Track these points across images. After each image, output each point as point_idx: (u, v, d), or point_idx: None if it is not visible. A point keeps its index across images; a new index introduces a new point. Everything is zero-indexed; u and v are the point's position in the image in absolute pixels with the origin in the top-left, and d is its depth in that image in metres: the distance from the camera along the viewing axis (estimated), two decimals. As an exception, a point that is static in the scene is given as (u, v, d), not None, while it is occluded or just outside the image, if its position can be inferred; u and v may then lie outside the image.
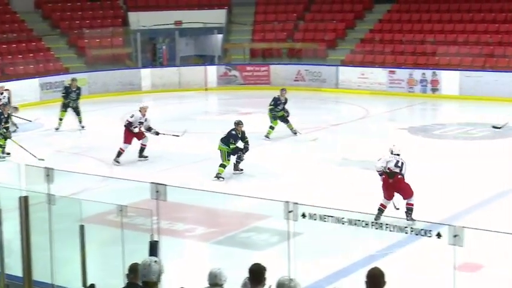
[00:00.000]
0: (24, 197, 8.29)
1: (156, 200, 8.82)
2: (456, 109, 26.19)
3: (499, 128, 21.59)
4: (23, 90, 27.42)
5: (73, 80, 23.56)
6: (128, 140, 18.60)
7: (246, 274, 7.54)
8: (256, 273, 7.54)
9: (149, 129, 18.92)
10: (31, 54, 30.94)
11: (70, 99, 22.69)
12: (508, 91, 24.07)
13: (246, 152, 17.02)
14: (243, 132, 17.05)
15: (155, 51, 35.01)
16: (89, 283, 8.35)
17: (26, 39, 31.83)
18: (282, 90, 21.64)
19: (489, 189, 15.08)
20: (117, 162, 18.37)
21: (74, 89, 22.81)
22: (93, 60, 31.80)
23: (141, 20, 33.45)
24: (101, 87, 30.18)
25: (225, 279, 7.53)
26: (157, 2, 35.40)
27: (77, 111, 22.78)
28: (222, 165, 16.75)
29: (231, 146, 16.78)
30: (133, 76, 31.09)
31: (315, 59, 31.77)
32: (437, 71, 28.34)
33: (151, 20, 33.28)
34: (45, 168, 9.61)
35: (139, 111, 18.86)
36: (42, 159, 17.19)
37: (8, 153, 18.92)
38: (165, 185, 8.79)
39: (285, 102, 21.30)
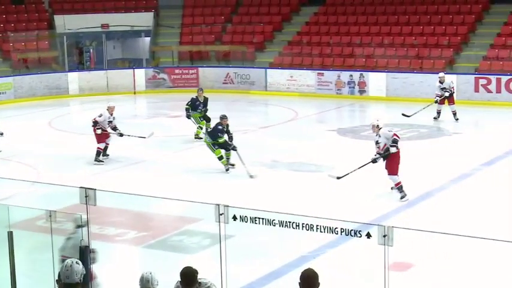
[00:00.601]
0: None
1: (86, 205, 8.73)
2: (383, 110, 26.58)
3: (408, 116, 22.44)
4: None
5: None
6: (102, 139, 18.68)
7: (178, 278, 7.53)
8: (188, 277, 7.53)
9: (114, 128, 18.80)
10: (-46, 58, 30.32)
11: None
12: (433, 92, 24.49)
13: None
14: (227, 126, 17.52)
15: (82, 55, 34.65)
16: (18, 290, 8.23)
17: None
18: (199, 90, 21.72)
19: (417, 189, 15.34)
20: (99, 161, 18.47)
21: None
22: (18, 64, 31.29)
23: (67, 23, 33.07)
24: (27, 91, 29.73)
25: (157, 283, 7.51)
26: (83, 5, 35.02)
27: None
28: (219, 158, 17.31)
29: (219, 140, 17.25)
30: (60, 80, 30.69)
31: (244, 62, 31.88)
32: (364, 73, 28.72)
33: (78, 23, 32.95)
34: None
35: (107, 110, 18.84)
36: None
37: None
38: (95, 189, 8.72)
39: (205, 103, 21.27)
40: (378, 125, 15.16)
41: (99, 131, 18.64)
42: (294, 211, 8.43)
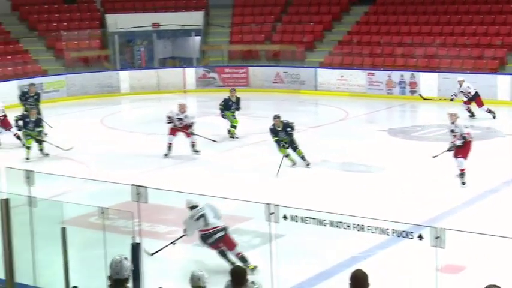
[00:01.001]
0: (5, 199, 8.26)
1: (137, 202, 8.81)
2: (435, 111, 26.30)
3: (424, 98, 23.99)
4: (1, 93, 27.22)
5: (31, 85, 23.10)
6: (172, 132, 19.37)
7: (228, 277, 7.56)
8: (238, 276, 7.58)
9: (188, 126, 19.39)
10: (9, 57, 30.75)
11: (28, 104, 21.93)
12: (485, 92, 24.18)
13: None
14: (282, 125, 17.85)
15: (133, 54, 34.93)
16: (71, 285, 8.32)
17: (3, 41, 31.64)
18: (232, 90, 21.90)
19: (471, 191, 15.18)
20: (166, 155, 19.08)
21: (32, 95, 22.27)
22: (71, 62, 31.66)
23: (118, 22, 33.35)
24: (79, 89, 30.08)
25: (207, 282, 7.55)
26: (134, 5, 35.31)
27: (39, 113, 22.28)
28: (286, 156, 17.77)
29: (273, 139, 17.98)
30: (111, 78, 31.00)
31: (293, 61, 31.84)
32: (415, 73, 28.49)
33: (129, 22, 33.21)
34: (26, 170, 9.57)
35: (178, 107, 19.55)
36: (71, 148, 18.52)
37: (47, 154, 19.23)
38: (146, 187, 8.78)
39: (237, 102, 21.45)
40: (455, 114, 16.13)
41: (170, 125, 19.26)
42: (345, 211, 8.39)
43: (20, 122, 19.13)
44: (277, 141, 17.76)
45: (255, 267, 10.88)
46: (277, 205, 7.99)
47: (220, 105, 21.47)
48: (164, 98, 29.74)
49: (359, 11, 33.43)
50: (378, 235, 7.49)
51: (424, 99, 24.32)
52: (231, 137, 21.21)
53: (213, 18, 35.11)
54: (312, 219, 7.84)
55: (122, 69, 32.39)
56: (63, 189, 14.56)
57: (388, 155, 19.09)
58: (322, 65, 30.95)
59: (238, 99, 21.54)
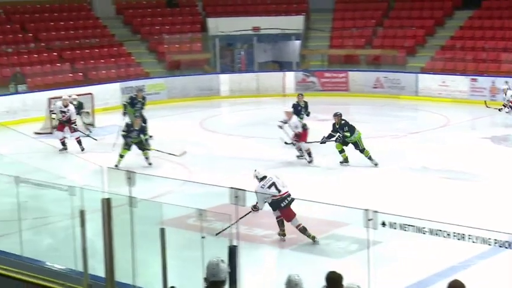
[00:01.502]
0: (107, 199, 8.40)
1: (235, 205, 8.84)
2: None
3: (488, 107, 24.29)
4: (105, 94, 27.92)
5: (139, 90, 23.54)
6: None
7: (324, 282, 7.50)
8: (333, 282, 7.52)
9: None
10: (113, 59, 31.49)
11: (135, 109, 22.30)
12: None
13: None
14: (340, 123, 18.49)
15: (233, 57, 35.22)
16: (169, 286, 8.41)
17: (107, 44, 32.44)
18: (299, 95, 21.79)
19: None
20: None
21: (140, 99, 22.73)
22: (172, 65, 32.16)
23: (219, 25, 33.70)
24: (180, 92, 30.50)
25: (303, 287, 7.51)
26: (235, 9, 35.62)
27: (144, 120, 22.65)
28: (340, 151, 18.72)
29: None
30: (212, 81, 31.32)
31: (394, 66, 31.49)
32: (520, 79, 27.75)
33: (230, 26, 33.49)
34: (127, 171, 9.74)
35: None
36: (184, 152, 18.54)
37: (150, 163, 18.78)
38: (244, 190, 8.80)
39: (306, 107, 21.33)
40: None
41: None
42: (445, 219, 8.22)
43: (124, 129, 19.09)
44: (330, 136, 18.57)
45: (314, 238, 12.00)
46: (376, 211, 7.89)
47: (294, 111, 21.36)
48: (263, 102, 29.89)
49: (463, 16, 32.81)
50: (478, 245, 7.31)
51: (488, 107, 24.42)
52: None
53: (314, 22, 35.08)
54: (411, 227, 7.71)
55: (222, 72, 32.70)
56: (163, 190, 14.78)
57: (491, 163, 18.65)
58: (424, 70, 30.51)
59: (306, 104, 21.39)
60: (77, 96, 23.25)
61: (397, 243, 10.62)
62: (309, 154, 18.82)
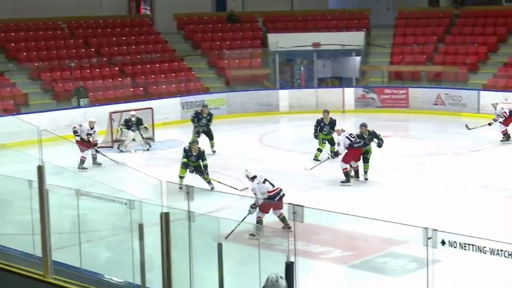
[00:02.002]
0: (166, 213, 8.45)
1: (293, 221, 8.81)
2: None
3: (469, 129, 24.24)
4: (165, 109, 28.17)
5: (204, 106, 23.69)
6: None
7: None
8: None
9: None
10: (173, 74, 31.76)
11: (200, 125, 22.68)
12: None
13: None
14: (368, 133, 18.74)
15: (293, 73, 35.22)
16: (225, 300, 8.43)
17: (168, 59, 32.74)
18: (324, 112, 21.70)
19: None
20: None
21: (205, 115, 22.85)
22: (232, 80, 32.30)
23: (279, 41, 33.75)
24: (239, 107, 30.60)
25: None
26: (295, 24, 35.65)
27: (210, 136, 22.81)
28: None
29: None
30: (271, 97, 31.34)
31: (456, 83, 31.10)
32: None
33: (290, 42, 33.52)
34: (185, 185, 9.78)
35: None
36: (246, 188, 16.70)
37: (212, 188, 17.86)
38: (302, 206, 8.77)
39: (330, 124, 21.18)
40: None
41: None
42: (507, 239, 8.06)
43: (183, 154, 18.84)
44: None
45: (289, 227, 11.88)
46: (436, 229, 7.79)
47: (315, 126, 21.40)
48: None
49: (527, 32, 32.30)
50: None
51: (469, 129, 24.34)
52: (314, 159, 20.88)
53: (374, 38, 34.91)
54: (471, 246, 7.59)
55: (282, 88, 32.70)
56: (221, 205, 14.80)
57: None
58: (486, 87, 30.04)
59: (332, 121, 21.30)
60: (135, 112, 23.50)
61: (457, 262, 10.44)
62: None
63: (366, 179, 18.63)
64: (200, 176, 17.73)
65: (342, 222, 13.10)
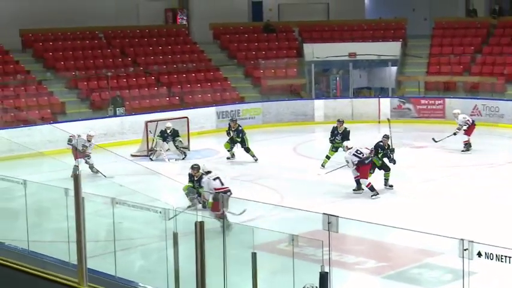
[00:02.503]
0: (200, 222, 8.47)
1: (328, 231, 8.78)
2: None
3: (436, 141, 24.20)
4: (200, 118, 28.27)
5: (232, 120, 23.57)
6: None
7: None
8: None
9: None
10: (209, 84, 31.86)
11: (232, 137, 22.79)
12: None
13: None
14: (345, 130, 20.48)
15: (329, 83, 35.15)
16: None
17: (204, 68, 32.86)
18: (338, 121, 22.24)
19: None
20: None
21: (234, 129, 22.79)
22: (267, 90, 32.33)
23: (315, 51, 33.73)
24: (275, 117, 30.60)
25: None
26: (331, 34, 35.61)
27: (246, 149, 22.79)
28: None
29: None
30: (306, 107, 31.32)
31: (493, 94, 30.84)
32: None
33: (326, 52, 33.47)
34: (220, 195, 9.80)
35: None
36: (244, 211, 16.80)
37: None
38: (337, 216, 8.75)
39: (344, 134, 21.50)
40: None
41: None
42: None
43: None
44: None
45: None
46: (472, 241, 7.72)
47: (330, 133, 22.01)
48: (358, 128, 29.64)
49: None
50: None
51: (436, 141, 24.33)
52: (322, 166, 21.24)
53: (411, 48, 34.75)
54: (508, 258, 7.51)
55: (317, 98, 32.65)
56: (255, 214, 14.80)
57: None
58: (524, 98, 29.77)
59: (345, 131, 21.66)
60: (171, 124, 23.57)
61: (494, 274, 10.32)
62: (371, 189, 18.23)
63: (391, 186, 18.58)
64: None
65: (376, 232, 13.02)
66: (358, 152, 18.18)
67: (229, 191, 15.25)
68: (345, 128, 21.62)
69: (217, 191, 14.96)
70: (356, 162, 18.04)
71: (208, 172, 15.82)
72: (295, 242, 9.14)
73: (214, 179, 15.44)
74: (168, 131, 23.18)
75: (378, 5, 42.90)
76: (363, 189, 18.09)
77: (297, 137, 27.34)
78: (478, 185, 19.38)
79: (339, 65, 34.32)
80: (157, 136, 23.51)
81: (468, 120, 24.00)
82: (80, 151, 21.00)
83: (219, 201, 13.88)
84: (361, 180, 18.14)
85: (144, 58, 32.26)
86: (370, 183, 18.04)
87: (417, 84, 32.78)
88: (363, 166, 18.11)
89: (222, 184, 15.40)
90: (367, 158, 18.15)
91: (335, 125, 22.00)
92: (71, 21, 32.08)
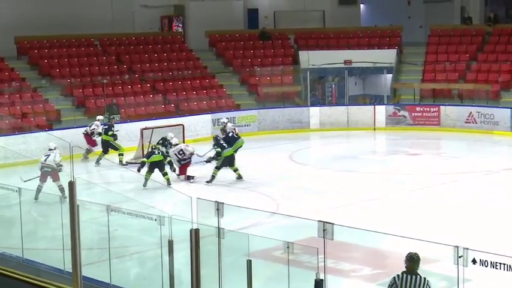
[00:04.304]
0: (195, 229, 8.46)
1: (323, 238, 8.78)
2: None
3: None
4: (196, 126, 28.26)
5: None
6: None
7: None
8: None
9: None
10: (204, 91, 31.86)
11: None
12: None
13: None
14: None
15: (324, 90, 35.17)
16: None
17: (200, 76, 32.87)
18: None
19: None
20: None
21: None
22: (263, 97, 32.36)
23: (311, 58, 33.76)
24: (270, 124, 30.61)
25: None
26: (327, 42, 35.65)
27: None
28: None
29: None
30: (302, 114, 31.32)
31: (488, 101, 30.90)
32: None
33: (321, 59, 33.50)
34: (216, 202, 9.80)
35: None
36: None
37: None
38: (333, 223, 8.75)
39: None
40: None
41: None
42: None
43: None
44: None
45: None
46: (467, 248, 7.73)
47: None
48: (353, 135, 29.74)
49: (560, 50, 32.01)
50: None
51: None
52: None
53: (406, 56, 34.82)
54: (503, 265, 7.52)
55: (312, 105, 32.66)
56: (250, 221, 14.80)
57: None
58: (518, 105, 29.81)
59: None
60: (174, 136, 23.13)
61: (488, 281, 10.32)
62: None
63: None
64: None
65: (371, 239, 13.03)
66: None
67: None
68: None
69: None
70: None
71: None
72: (291, 249, 9.13)
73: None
74: (172, 141, 22.79)
75: (374, 12, 42.94)
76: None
77: (293, 144, 27.35)
78: (474, 192, 19.40)
79: (335, 72, 34.35)
80: (158, 144, 23.34)
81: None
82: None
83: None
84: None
85: (139, 65, 32.25)
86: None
87: (412, 91, 32.84)
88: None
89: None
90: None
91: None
92: (67, 29, 32.07)
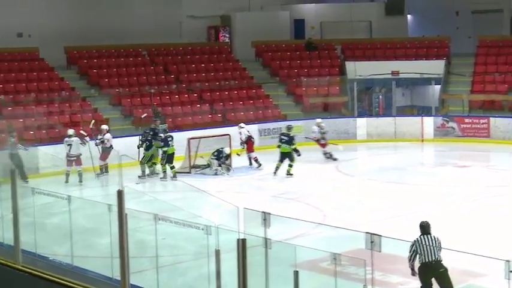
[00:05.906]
0: (243, 239, 8.46)
1: (371, 250, 8.72)
2: None
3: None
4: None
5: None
6: None
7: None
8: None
9: None
10: (251, 101, 31.92)
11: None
12: None
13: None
14: None
15: (371, 101, 35.00)
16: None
17: (246, 86, 32.95)
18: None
19: None
20: None
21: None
22: (309, 108, 32.30)
23: (358, 69, 33.63)
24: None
25: None
26: (374, 52, 35.51)
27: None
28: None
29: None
30: (348, 125, 31.21)
31: (538, 112, 30.47)
32: None
33: (368, 70, 33.37)
34: (263, 212, 9.79)
35: None
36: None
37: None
38: (380, 235, 8.68)
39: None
40: None
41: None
42: None
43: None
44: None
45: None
46: (518, 263, 7.61)
47: None
48: (400, 147, 29.53)
49: None
50: None
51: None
52: None
53: (455, 67, 34.51)
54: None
55: (359, 116, 32.52)
56: (297, 232, 14.75)
57: None
58: None
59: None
60: (228, 150, 24.01)
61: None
62: None
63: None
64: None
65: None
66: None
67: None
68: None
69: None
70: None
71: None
72: (338, 261, 9.08)
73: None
74: (225, 155, 23.38)
75: (421, 23, 42.65)
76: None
77: (340, 155, 27.21)
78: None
79: (382, 83, 34.16)
80: (213, 157, 23.64)
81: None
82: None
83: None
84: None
85: (186, 75, 32.46)
86: None
87: (461, 102, 32.49)
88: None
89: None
90: None
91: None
92: (115, 39, 32.45)
